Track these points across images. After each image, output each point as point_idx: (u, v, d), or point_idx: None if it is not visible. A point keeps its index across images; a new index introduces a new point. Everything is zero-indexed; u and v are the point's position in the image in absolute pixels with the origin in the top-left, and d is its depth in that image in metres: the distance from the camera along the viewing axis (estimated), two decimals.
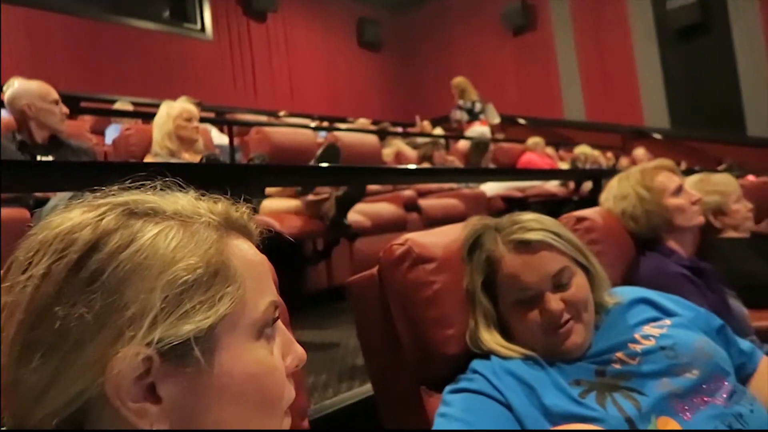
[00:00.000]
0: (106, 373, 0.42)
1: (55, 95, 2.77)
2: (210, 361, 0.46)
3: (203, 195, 0.53)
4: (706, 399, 0.96)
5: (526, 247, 1.03)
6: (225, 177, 1.74)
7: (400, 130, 7.82)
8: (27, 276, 0.44)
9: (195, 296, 0.45)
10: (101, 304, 0.43)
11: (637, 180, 1.67)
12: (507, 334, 1.04)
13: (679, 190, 1.66)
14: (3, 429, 0.46)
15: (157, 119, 2.96)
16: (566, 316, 1.00)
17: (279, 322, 0.53)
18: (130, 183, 0.52)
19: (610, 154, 7.05)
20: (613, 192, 1.71)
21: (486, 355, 1.02)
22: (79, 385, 0.43)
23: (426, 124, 8.09)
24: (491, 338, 1.03)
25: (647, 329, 1.07)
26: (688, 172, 2.11)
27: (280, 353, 0.52)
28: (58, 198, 2.26)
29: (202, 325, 0.45)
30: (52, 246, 0.45)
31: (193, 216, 0.49)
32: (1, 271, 0.47)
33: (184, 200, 0.51)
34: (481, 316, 1.05)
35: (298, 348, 0.55)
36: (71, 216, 0.47)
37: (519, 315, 1.03)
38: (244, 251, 0.51)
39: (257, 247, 0.54)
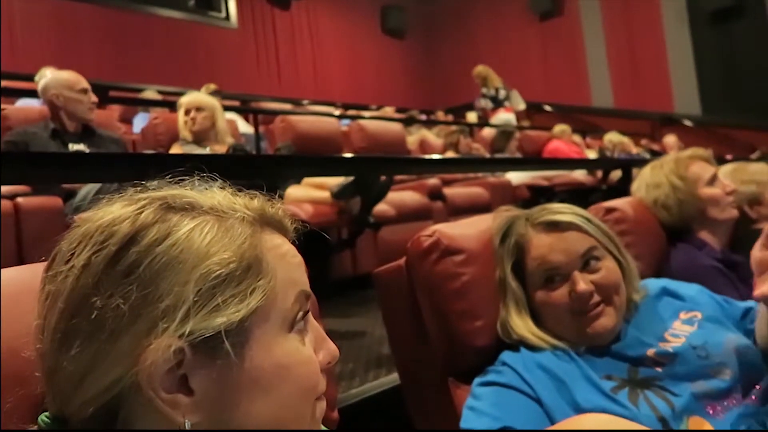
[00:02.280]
0: (139, 363, 0.43)
1: (83, 84, 2.81)
2: (241, 354, 0.46)
3: (240, 191, 0.53)
4: (738, 398, 0.94)
5: (554, 227, 1.03)
6: (252, 168, 1.75)
7: (423, 117, 7.78)
8: (69, 266, 0.46)
9: (227, 290, 0.46)
10: (137, 295, 0.44)
11: (671, 169, 1.63)
12: (538, 322, 1.03)
13: (713, 180, 1.62)
14: (45, 414, 0.47)
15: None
16: (596, 298, 0.98)
17: (311, 319, 0.54)
18: (170, 178, 0.53)
19: (644, 141, 6.92)
20: (645, 180, 1.68)
21: (516, 345, 1.02)
22: (114, 374, 0.44)
23: (440, 115, 8.04)
24: (522, 324, 1.02)
25: (678, 326, 1.05)
26: (719, 161, 2.06)
27: (313, 346, 0.52)
28: (88, 188, 2.30)
29: (234, 318, 0.45)
30: (93, 238, 0.46)
31: (228, 211, 0.49)
32: (46, 262, 0.49)
33: (220, 196, 0.51)
34: (512, 302, 1.03)
35: (330, 345, 0.55)
36: (112, 209, 0.48)
37: (547, 296, 1.01)
38: (278, 246, 0.51)
39: (293, 243, 0.55)
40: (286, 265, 0.51)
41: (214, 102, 3.10)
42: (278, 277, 0.49)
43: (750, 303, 1.12)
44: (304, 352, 0.51)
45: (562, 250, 1.00)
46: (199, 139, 2.96)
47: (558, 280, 1.00)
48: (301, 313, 0.51)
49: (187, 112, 2.97)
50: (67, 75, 2.82)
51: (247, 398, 0.47)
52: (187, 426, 0.44)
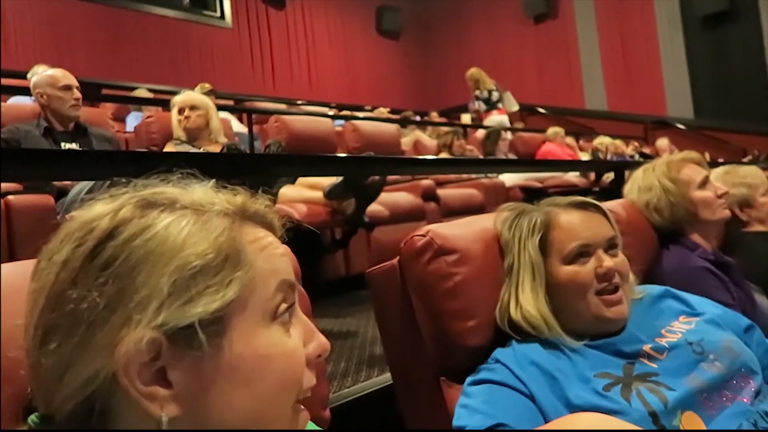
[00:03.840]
0: (114, 356, 0.43)
1: (65, 81, 2.78)
2: (219, 345, 0.46)
3: (224, 187, 0.54)
4: (731, 396, 0.94)
5: (584, 207, 1.07)
6: (244, 167, 1.74)
7: (417, 118, 7.79)
8: (50, 263, 0.47)
9: (203, 281, 0.46)
10: (113, 289, 0.44)
11: (663, 172, 1.64)
12: (550, 303, 1.03)
13: (705, 183, 1.63)
14: (35, 414, 0.48)
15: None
16: (618, 280, 1.01)
17: (299, 311, 0.54)
18: (155, 176, 0.54)
19: (632, 146, 6.96)
20: (637, 183, 1.69)
21: (510, 334, 1.02)
22: (92, 368, 0.44)
23: (434, 116, 8.06)
24: (533, 298, 1.01)
25: (676, 325, 1.06)
26: (712, 164, 2.07)
27: (300, 339, 0.52)
28: (80, 186, 2.29)
29: (209, 308, 0.45)
30: (74, 234, 0.47)
31: (207, 206, 0.50)
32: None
33: (200, 192, 0.52)
34: (528, 277, 1.03)
35: (320, 337, 0.54)
36: (96, 207, 0.49)
37: (575, 272, 1.02)
38: (259, 239, 0.51)
39: (280, 239, 0.55)
40: (267, 256, 0.51)
41: (208, 101, 3.08)
42: (258, 268, 0.49)
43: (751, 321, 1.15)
44: (288, 343, 0.50)
45: (593, 228, 1.05)
46: (192, 138, 2.94)
47: (585, 256, 1.03)
48: (284, 304, 0.51)
49: (180, 111, 2.96)
50: (52, 72, 2.80)
51: (227, 390, 0.46)
52: (164, 420, 0.44)
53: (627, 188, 1.74)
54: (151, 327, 0.44)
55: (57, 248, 0.47)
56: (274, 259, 0.51)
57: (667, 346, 1.00)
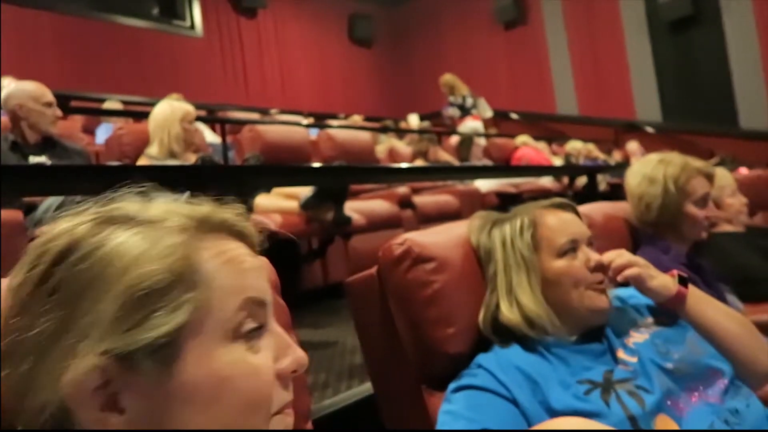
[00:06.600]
0: (61, 384, 0.42)
1: (48, 98, 2.73)
2: (173, 369, 0.44)
3: (190, 198, 0.52)
4: (699, 396, 0.96)
5: (565, 207, 1.12)
6: (221, 179, 1.73)
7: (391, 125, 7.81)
8: (8, 287, 0.46)
9: (151, 304, 0.44)
10: (59, 316, 0.43)
11: (673, 174, 1.60)
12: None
13: (704, 200, 1.62)
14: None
15: (160, 120, 2.80)
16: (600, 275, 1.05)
17: (273, 324, 0.52)
18: (121, 190, 0.52)
19: (596, 153, 7.03)
20: (645, 169, 1.65)
21: (490, 343, 1.03)
22: (43, 397, 0.43)
23: (412, 117, 8.11)
24: (532, 295, 1.03)
25: (642, 325, 1.08)
26: None
27: (270, 355, 0.50)
28: (49, 201, 2.24)
29: (159, 332, 0.44)
30: (31, 256, 0.46)
31: (163, 221, 0.48)
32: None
33: (161, 205, 0.50)
34: (524, 275, 1.05)
35: (297, 351, 0.52)
36: (59, 224, 0.48)
37: (566, 265, 1.05)
38: (222, 252, 0.49)
39: (258, 247, 0.53)
40: (231, 271, 0.48)
41: None
42: (217, 286, 0.47)
43: None
44: (252, 362, 0.48)
45: (577, 224, 1.10)
46: (183, 149, 2.84)
47: (572, 251, 1.06)
48: (249, 321, 0.48)
49: (190, 122, 2.83)
50: (33, 86, 2.74)
51: (184, 414, 0.45)
52: None
53: (632, 169, 1.71)
54: (96, 354, 0.42)
55: (17, 271, 0.46)
56: (238, 275, 0.49)
57: (634, 347, 1.02)
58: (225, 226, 0.51)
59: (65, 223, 0.47)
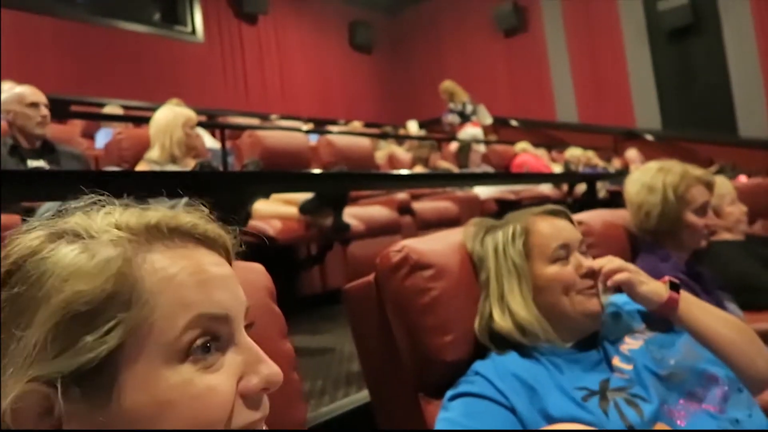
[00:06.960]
0: (3, 410, 0.41)
1: (32, 98, 2.71)
2: (111, 394, 0.42)
3: (151, 203, 0.50)
4: (697, 404, 0.95)
5: (557, 214, 1.11)
6: (219, 184, 1.72)
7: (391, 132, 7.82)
8: None
9: (80, 327, 0.41)
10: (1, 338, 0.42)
11: (672, 182, 1.59)
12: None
13: (704, 209, 1.61)
14: None
15: (162, 125, 2.79)
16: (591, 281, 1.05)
17: (242, 338, 0.48)
18: (89, 198, 0.50)
19: (595, 159, 7.04)
20: (644, 178, 1.64)
21: (487, 351, 1.03)
22: None
23: (411, 124, 8.12)
24: (523, 303, 1.03)
25: (637, 331, 1.08)
26: None
27: (233, 372, 0.46)
28: (47, 206, 2.24)
29: (86, 357, 0.41)
30: None
31: (104, 233, 0.45)
32: None
33: (106, 216, 0.47)
34: (515, 282, 1.05)
35: (268, 368, 0.47)
36: (20, 238, 0.46)
37: (557, 271, 1.05)
38: (170, 264, 0.45)
39: (224, 253, 0.50)
40: (179, 286, 0.45)
41: None
42: (159, 303, 0.43)
43: None
44: (200, 383, 0.44)
45: (569, 230, 1.09)
46: (185, 154, 2.81)
47: (563, 258, 1.06)
48: (200, 340, 0.44)
49: (192, 127, 2.82)
50: (20, 89, 2.73)
51: None
52: None
53: (632, 177, 1.70)
54: (24, 382, 0.41)
55: None
56: (188, 289, 0.45)
57: (629, 355, 1.01)
58: (182, 231, 0.47)
59: (23, 236, 0.46)
